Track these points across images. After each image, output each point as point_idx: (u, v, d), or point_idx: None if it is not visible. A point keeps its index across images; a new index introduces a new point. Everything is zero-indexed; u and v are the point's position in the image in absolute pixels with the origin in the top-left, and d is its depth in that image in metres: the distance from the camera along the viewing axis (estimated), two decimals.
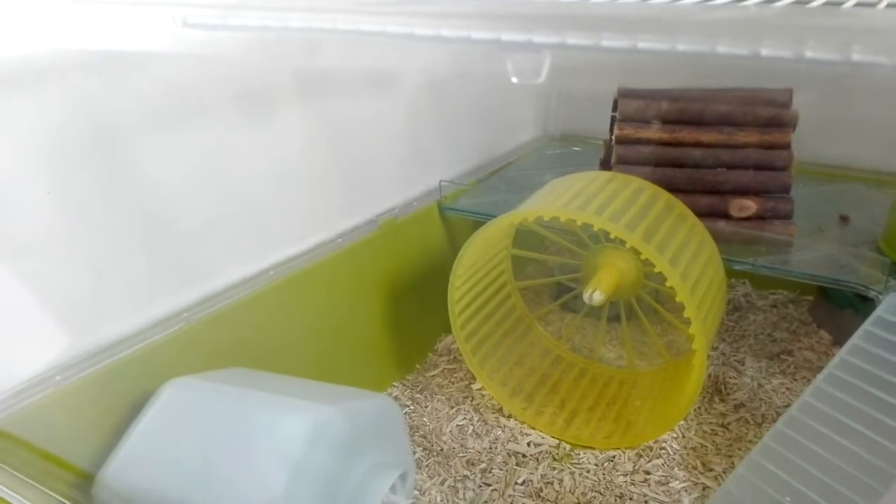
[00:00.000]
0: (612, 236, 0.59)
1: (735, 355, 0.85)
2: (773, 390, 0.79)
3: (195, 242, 0.58)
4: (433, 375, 0.83)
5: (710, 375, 0.81)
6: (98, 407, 0.50)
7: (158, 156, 0.54)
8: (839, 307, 0.87)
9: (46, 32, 0.41)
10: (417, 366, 0.85)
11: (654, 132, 0.75)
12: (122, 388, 0.51)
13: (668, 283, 0.58)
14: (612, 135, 0.81)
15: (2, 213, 0.46)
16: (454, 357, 0.86)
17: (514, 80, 0.30)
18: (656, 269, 0.58)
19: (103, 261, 0.52)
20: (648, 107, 0.75)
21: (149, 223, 0.54)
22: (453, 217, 0.86)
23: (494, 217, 0.65)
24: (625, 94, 0.77)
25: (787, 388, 0.79)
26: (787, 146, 0.73)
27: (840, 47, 0.22)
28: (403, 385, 0.82)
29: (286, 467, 0.41)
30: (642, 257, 0.59)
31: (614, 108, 0.78)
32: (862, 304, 0.85)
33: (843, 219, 0.80)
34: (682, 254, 0.62)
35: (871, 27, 0.25)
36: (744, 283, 1.01)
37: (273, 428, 0.43)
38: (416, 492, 0.65)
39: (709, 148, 0.74)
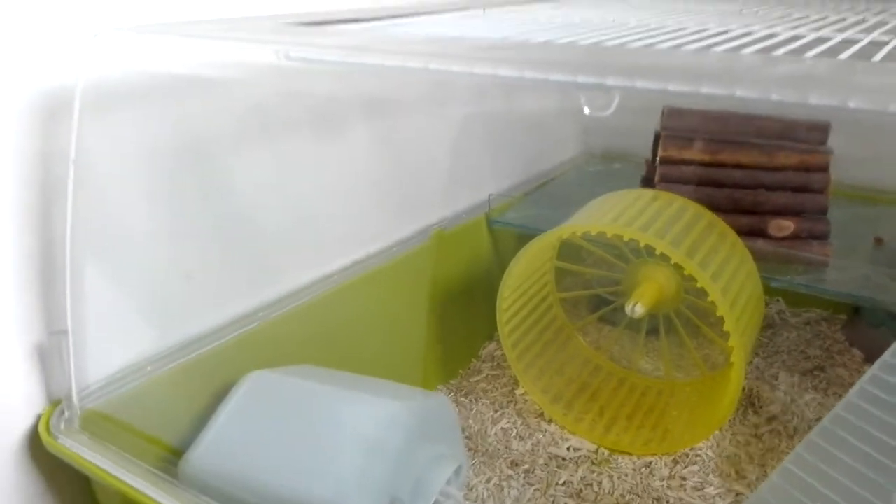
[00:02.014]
0: (656, 252, 0.63)
1: (769, 370, 0.88)
2: (806, 405, 0.81)
3: (269, 248, 0.64)
4: (477, 380, 0.87)
5: (744, 389, 0.84)
6: (185, 394, 0.55)
7: (240, 169, 0.60)
8: (872, 326, 0.90)
9: (157, 60, 0.46)
10: (461, 370, 0.89)
11: (697, 153, 0.79)
12: (206, 378, 0.56)
13: (709, 298, 0.62)
14: (654, 154, 0.84)
15: (108, 220, 0.51)
16: (497, 363, 0.90)
17: (587, 111, 0.35)
18: (698, 285, 0.62)
19: (191, 264, 0.57)
20: (689, 144, 0.79)
21: (230, 230, 0.60)
22: (500, 229, 0.90)
23: (539, 230, 0.69)
24: (670, 114, 0.80)
25: (819, 403, 0.82)
26: (824, 168, 0.76)
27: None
28: (448, 388, 0.86)
29: (365, 449, 0.45)
30: (685, 273, 0.63)
31: (661, 126, 0.82)
32: (894, 324, 0.87)
33: (878, 241, 0.83)
34: (724, 270, 0.65)
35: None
36: (777, 300, 1.04)
37: (352, 417, 0.47)
38: (465, 488, 0.69)
39: (749, 170, 0.77)
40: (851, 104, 0.27)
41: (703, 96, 0.29)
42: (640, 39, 0.44)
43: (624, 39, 0.44)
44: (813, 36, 0.48)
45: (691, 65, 0.30)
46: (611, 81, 0.31)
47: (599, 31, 0.47)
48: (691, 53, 0.33)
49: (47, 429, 0.50)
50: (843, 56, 0.35)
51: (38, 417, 0.51)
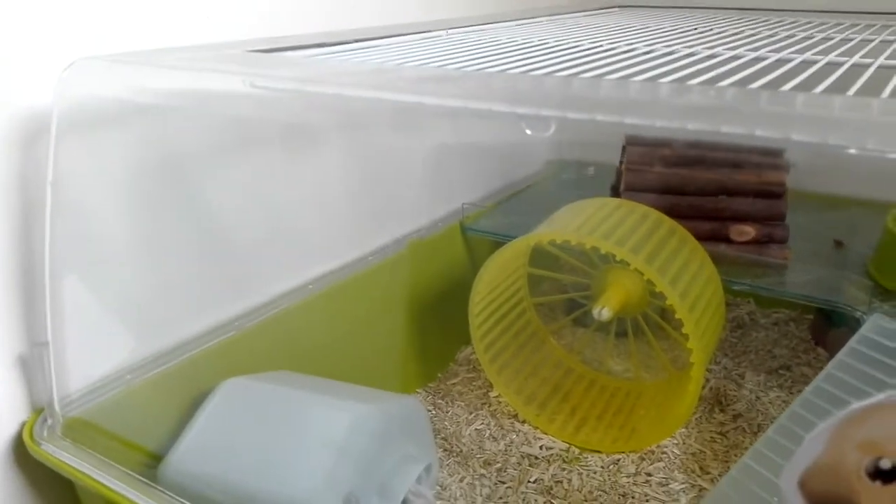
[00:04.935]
0: (618, 258, 0.66)
1: (736, 369, 0.91)
2: (770, 402, 0.84)
3: (246, 259, 0.66)
4: (454, 383, 0.90)
5: (711, 388, 0.87)
6: (164, 401, 0.58)
7: (218, 183, 0.62)
8: (835, 325, 0.93)
9: (132, 86, 0.49)
10: (439, 374, 0.92)
11: (661, 160, 0.82)
12: (184, 385, 0.59)
13: (667, 302, 0.65)
14: (621, 162, 0.87)
15: (89, 233, 0.54)
16: (473, 367, 0.93)
17: (528, 132, 0.38)
18: (657, 289, 0.65)
19: (170, 275, 0.59)
20: (652, 153, 0.82)
21: (208, 242, 0.62)
22: (474, 237, 0.93)
23: (512, 237, 0.72)
24: (631, 142, 0.83)
25: (784, 401, 0.85)
26: (783, 171, 0.79)
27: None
28: (426, 392, 0.89)
29: (331, 451, 0.48)
30: (645, 278, 0.66)
31: (622, 154, 0.85)
32: (856, 324, 0.91)
33: (838, 244, 0.86)
34: (683, 275, 0.68)
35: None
36: (748, 301, 1.07)
37: (320, 421, 0.50)
38: (438, 487, 0.71)
39: (711, 173, 0.80)
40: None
41: (630, 126, 0.32)
42: (591, 65, 0.47)
43: (575, 66, 0.46)
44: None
45: (619, 97, 0.32)
46: (545, 112, 0.34)
47: (553, 56, 0.50)
48: (616, 83, 0.36)
49: (31, 435, 0.52)
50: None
51: (23, 425, 0.53)
